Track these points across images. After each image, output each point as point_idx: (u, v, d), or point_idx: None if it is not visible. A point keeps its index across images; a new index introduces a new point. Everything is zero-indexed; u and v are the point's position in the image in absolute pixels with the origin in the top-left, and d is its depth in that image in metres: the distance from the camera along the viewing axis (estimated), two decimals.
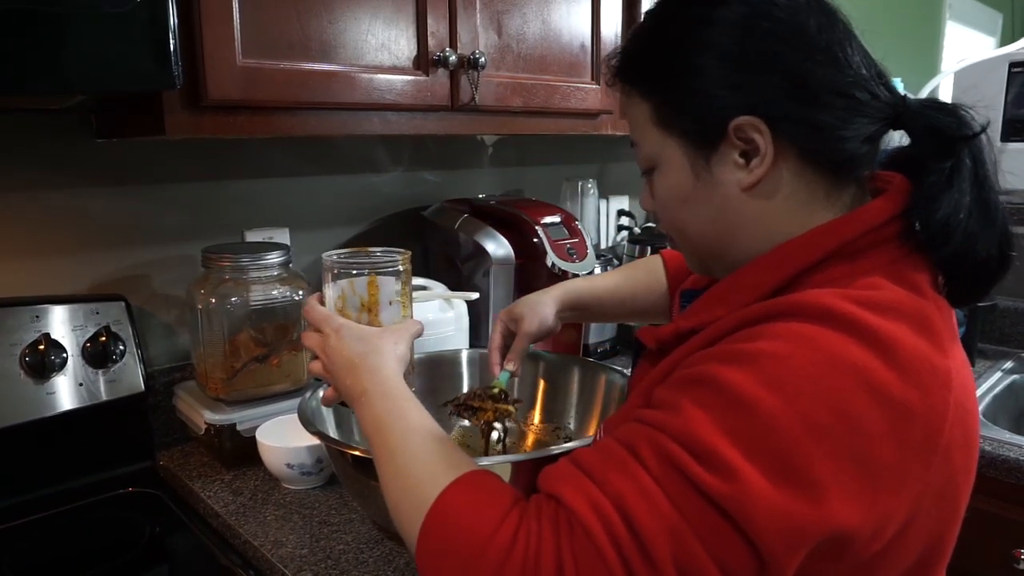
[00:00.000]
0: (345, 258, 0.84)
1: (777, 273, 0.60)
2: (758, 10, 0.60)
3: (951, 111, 0.60)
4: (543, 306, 1.00)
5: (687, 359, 0.58)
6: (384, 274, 0.82)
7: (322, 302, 0.83)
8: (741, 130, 0.60)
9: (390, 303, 0.82)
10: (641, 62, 0.67)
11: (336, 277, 0.82)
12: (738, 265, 0.64)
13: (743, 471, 0.48)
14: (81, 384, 1.15)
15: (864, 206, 0.60)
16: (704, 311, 0.63)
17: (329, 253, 0.85)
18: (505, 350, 1.01)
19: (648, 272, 1.05)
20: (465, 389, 1.20)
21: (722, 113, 0.60)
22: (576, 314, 1.05)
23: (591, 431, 1.09)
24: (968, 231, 0.58)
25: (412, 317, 0.85)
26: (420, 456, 0.62)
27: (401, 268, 0.84)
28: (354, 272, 0.82)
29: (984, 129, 0.60)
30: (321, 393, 1.07)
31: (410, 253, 0.86)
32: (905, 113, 0.61)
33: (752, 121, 0.59)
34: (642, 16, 0.68)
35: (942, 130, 0.59)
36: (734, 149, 0.61)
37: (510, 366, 0.99)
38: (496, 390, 0.97)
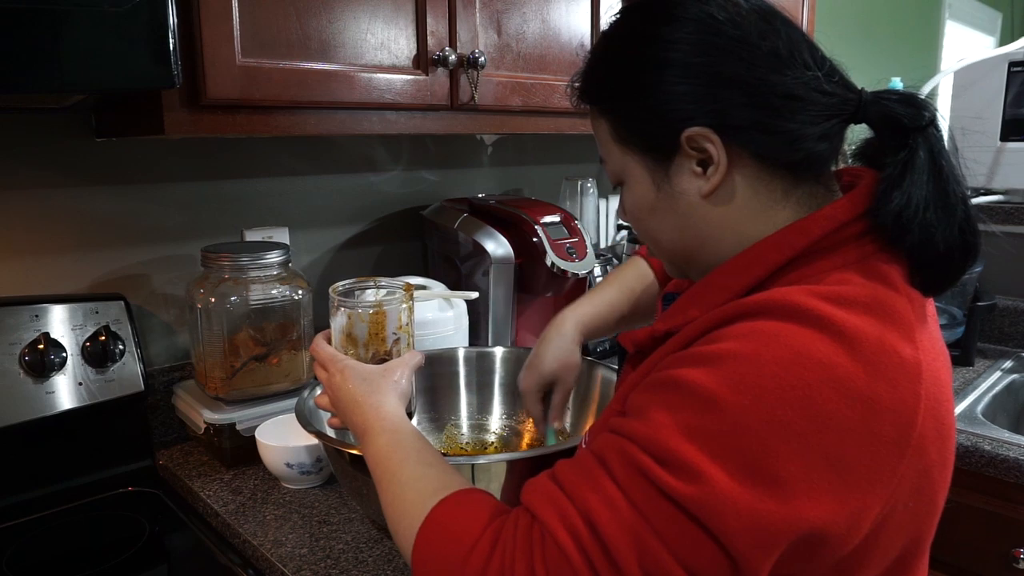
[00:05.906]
0: (351, 290, 0.87)
1: (749, 273, 0.60)
2: (703, 25, 0.61)
3: (908, 100, 0.60)
4: (571, 355, 0.99)
5: (661, 362, 0.59)
6: (388, 308, 0.85)
7: (330, 335, 0.87)
8: (693, 141, 0.61)
9: (394, 335, 0.85)
10: (596, 82, 0.69)
11: (341, 310, 0.85)
12: (712, 267, 0.64)
13: (708, 473, 0.49)
14: (80, 383, 1.15)
15: (832, 203, 0.61)
16: (679, 313, 0.64)
17: (336, 285, 0.87)
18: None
19: (639, 277, 1.06)
20: (463, 387, 1.20)
21: (674, 126, 0.61)
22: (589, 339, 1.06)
23: (587, 429, 1.09)
24: (925, 222, 0.58)
25: (413, 348, 0.88)
26: (414, 481, 0.66)
27: (404, 305, 0.86)
28: (359, 308, 0.85)
29: (935, 119, 0.60)
30: (319, 391, 1.07)
31: (413, 286, 0.88)
32: (862, 106, 0.61)
33: (702, 132, 0.60)
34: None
35: (899, 120, 0.60)
36: (690, 159, 0.62)
37: (557, 424, 1.00)
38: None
